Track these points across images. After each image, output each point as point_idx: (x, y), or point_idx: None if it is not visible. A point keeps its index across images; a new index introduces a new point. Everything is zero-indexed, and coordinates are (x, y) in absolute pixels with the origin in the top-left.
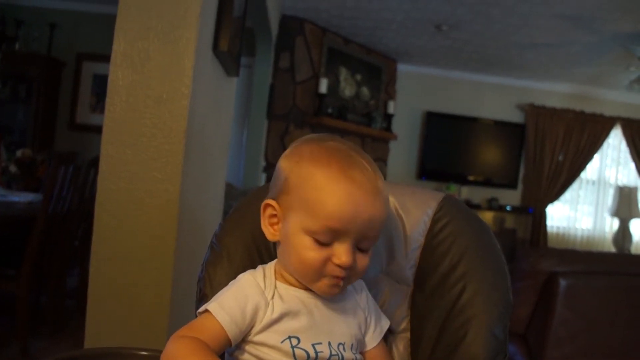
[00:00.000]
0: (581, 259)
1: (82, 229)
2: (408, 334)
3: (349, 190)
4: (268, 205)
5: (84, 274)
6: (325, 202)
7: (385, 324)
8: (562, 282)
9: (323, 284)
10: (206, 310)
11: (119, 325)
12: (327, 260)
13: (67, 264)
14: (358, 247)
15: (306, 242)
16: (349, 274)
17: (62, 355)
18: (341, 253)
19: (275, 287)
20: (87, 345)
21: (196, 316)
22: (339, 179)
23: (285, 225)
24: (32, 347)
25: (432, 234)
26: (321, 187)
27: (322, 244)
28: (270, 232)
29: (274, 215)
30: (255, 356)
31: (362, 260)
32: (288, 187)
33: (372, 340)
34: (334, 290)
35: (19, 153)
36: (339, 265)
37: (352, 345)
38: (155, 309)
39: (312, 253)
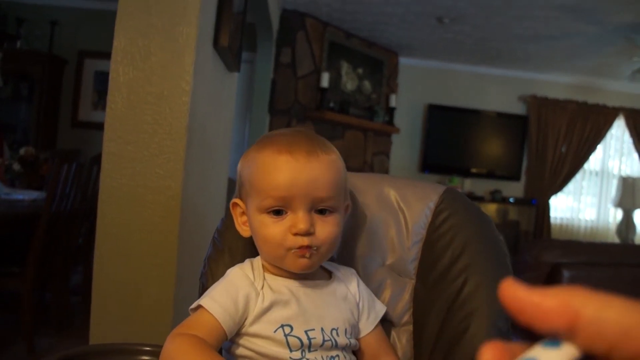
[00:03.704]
0: (585, 250)
1: (85, 226)
2: (411, 327)
3: (284, 161)
4: (234, 204)
5: (88, 271)
6: (265, 176)
7: (381, 309)
8: (566, 274)
9: (290, 258)
10: (199, 306)
11: (123, 321)
12: (287, 232)
13: (71, 261)
14: (318, 212)
15: (263, 220)
16: (313, 243)
17: (66, 352)
18: (296, 221)
19: (264, 278)
20: (92, 342)
21: (189, 314)
22: (275, 156)
23: (248, 215)
24: (37, 345)
25: (433, 227)
26: (261, 167)
27: (277, 217)
28: (243, 229)
29: (243, 213)
30: (250, 349)
31: (324, 226)
32: (242, 180)
33: (368, 325)
34: (302, 262)
35: (22, 151)
36: (297, 234)
37: (345, 330)
38: (159, 304)
39: (270, 229)
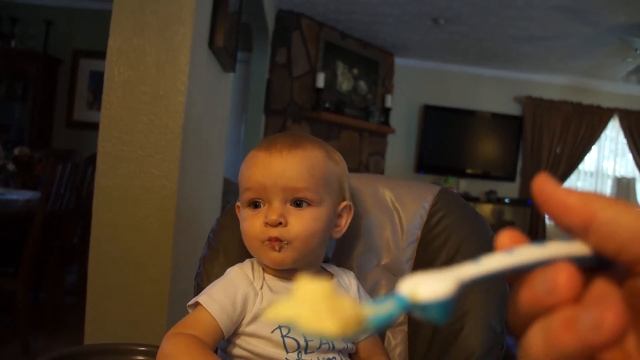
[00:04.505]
0: None
1: (80, 226)
2: (405, 327)
3: (260, 157)
4: (237, 206)
5: (83, 271)
6: (244, 172)
7: None
8: None
9: (264, 251)
10: (197, 303)
11: (118, 321)
12: (262, 224)
13: (66, 261)
14: (294, 203)
15: (244, 214)
16: (283, 235)
17: (61, 352)
18: (268, 212)
19: (264, 278)
20: (86, 342)
21: (187, 310)
22: (255, 153)
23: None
24: (32, 344)
25: (428, 227)
26: (243, 164)
27: (255, 210)
28: None
29: None
30: (246, 350)
31: (299, 219)
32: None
33: None
34: (274, 255)
35: (16, 151)
36: (267, 224)
37: None
38: (153, 304)
39: (249, 222)
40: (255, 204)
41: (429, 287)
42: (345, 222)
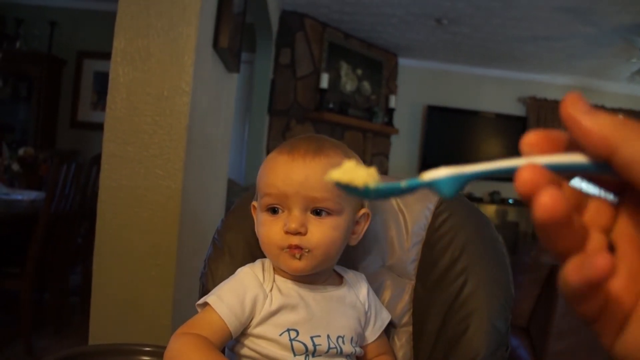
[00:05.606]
0: None
1: (84, 226)
2: (410, 328)
3: (282, 161)
4: (253, 206)
5: (87, 272)
6: (264, 175)
7: (386, 317)
8: None
9: (284, 258)
10: (205, 304)
11: (122, 321)
12: (281, 231)
13: (70, 261)
14: (314, 212)
15: (262, 218)
16: (303, 244)
17: (65, 352)
18: (288, 220)
19: (274, 280)
20: (91, 342)
21: (196, 309)
22: (276, 157)
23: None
24: (36, 345)
25: (433, 228)
26: (264, 167)
27: (274, 216)
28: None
29: None
30: (254, 350)
31: (318, 228)
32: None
33: (373, 333)
34: (294, 263)
35: (21, 151)
36: (287, 232)
37: (351, 338)
38: (158, 305)
39: (267, 227)
40: (273, 210)
41: (433, 172)
42: (362, 229)
